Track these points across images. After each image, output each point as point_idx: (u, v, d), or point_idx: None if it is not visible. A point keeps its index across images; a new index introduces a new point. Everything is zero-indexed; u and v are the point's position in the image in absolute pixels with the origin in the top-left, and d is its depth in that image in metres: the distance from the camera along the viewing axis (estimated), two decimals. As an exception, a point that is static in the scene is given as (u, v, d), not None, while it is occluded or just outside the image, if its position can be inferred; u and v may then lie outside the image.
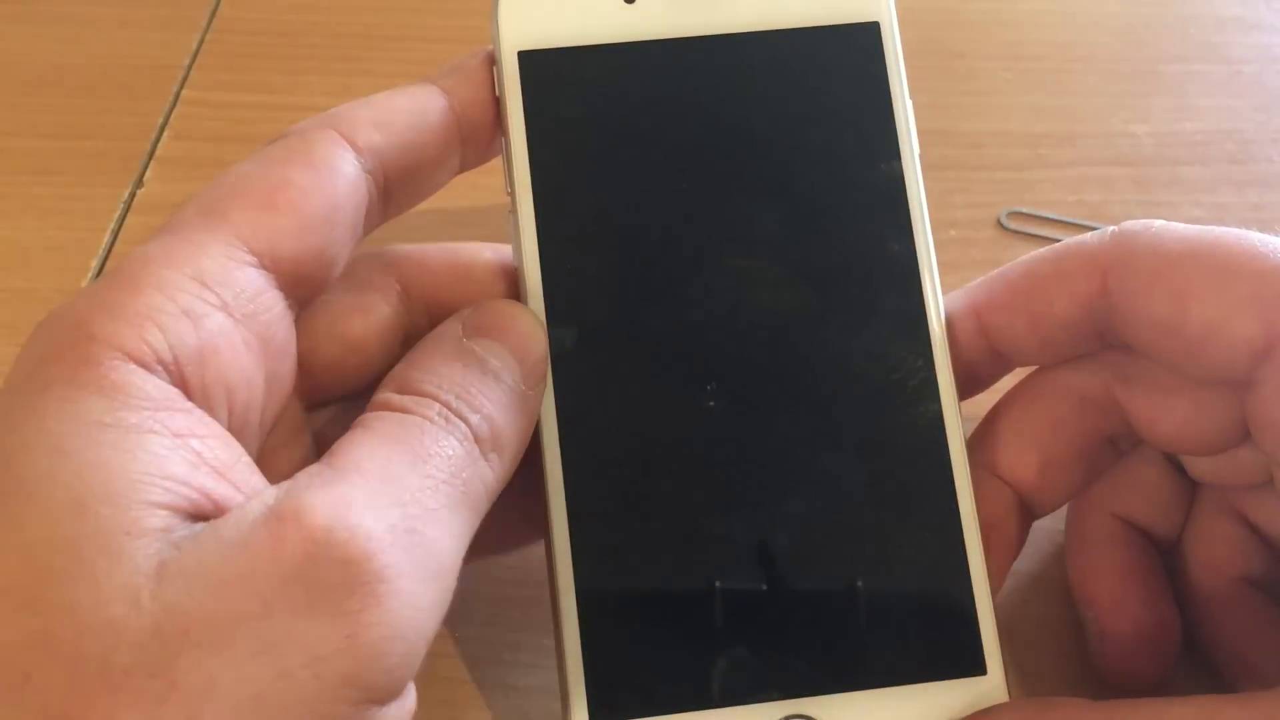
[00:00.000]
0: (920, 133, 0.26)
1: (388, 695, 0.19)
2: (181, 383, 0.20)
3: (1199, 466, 0.27)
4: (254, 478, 0.20)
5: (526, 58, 0.25)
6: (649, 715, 0.23)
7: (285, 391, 0.23)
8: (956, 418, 0.25)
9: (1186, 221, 0.24)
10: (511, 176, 0.25)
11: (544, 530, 0.24)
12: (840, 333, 0.25)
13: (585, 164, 0.25)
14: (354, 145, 0.23)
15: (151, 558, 0.18)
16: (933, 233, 0.25)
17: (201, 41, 0.43)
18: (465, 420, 0.22)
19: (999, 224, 0.37)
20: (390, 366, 0.23)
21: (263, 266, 0.22)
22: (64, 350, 0.20)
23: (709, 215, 0.25)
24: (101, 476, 0.18)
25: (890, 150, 0.26)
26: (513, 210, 0.25)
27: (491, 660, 0.28)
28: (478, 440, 0.22)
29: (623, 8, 0.26)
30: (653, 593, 0.24)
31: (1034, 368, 0.27)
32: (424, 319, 0.26)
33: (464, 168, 0.26)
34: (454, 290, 0.26)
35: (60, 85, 0.42)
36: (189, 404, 0.20)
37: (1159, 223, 0.24)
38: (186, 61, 0.43)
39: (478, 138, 0.25)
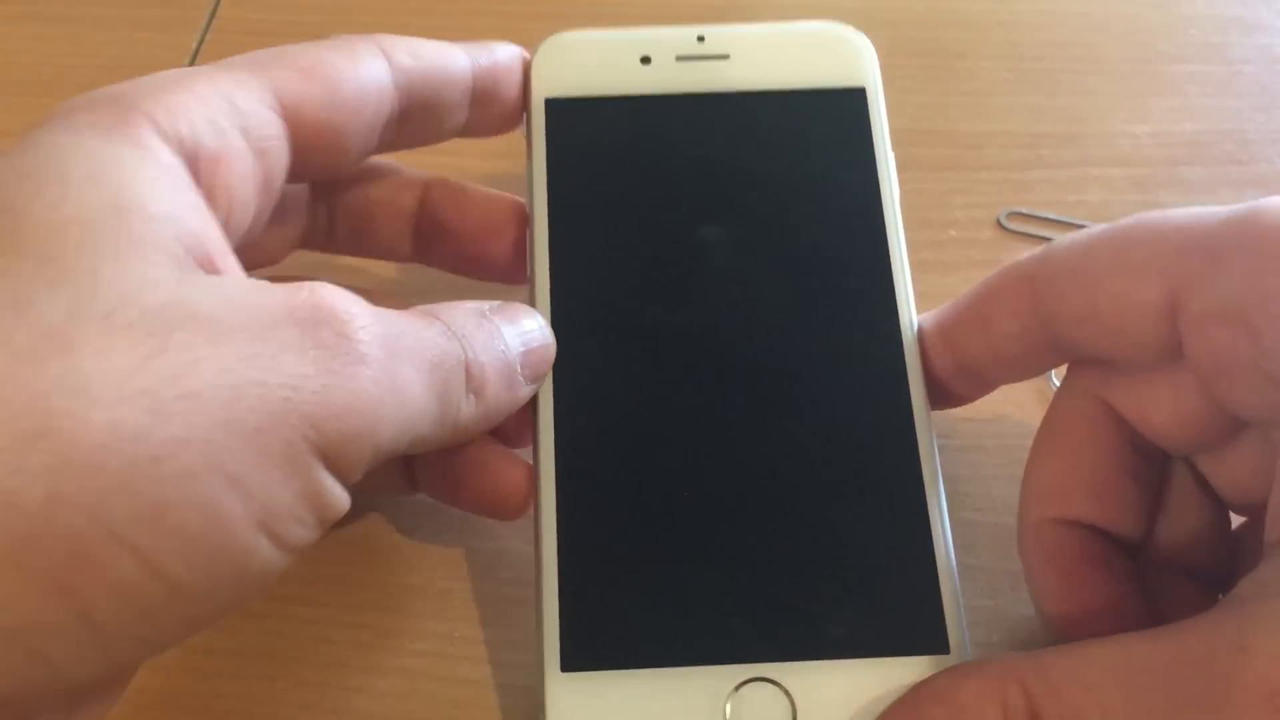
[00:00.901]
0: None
1: (334, 462, 0.20)
2: (195, 175, 0.22)
3: (1234, 487, 0.25)
4: (242, 272, 0.22)
5: (552, 104, 0.29)
6: (618, 668, 0.24)
7: (247, 236, 0.24)
8: (926, 413, 0.26)
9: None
10: (532, 203, 0.28)
11: (534, 496, 0.26)
12: (819, 345, 0.27)
13: (597, 196, 0.28)
14: (390, 59, 0.26)
15: (174, 267, 0.19)
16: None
17: (201, 41, 0.43)
18: (465, 350, 0.23)
19: (999, 224, 0.37)
20: None
21: (285, 119, 0.24)
22: (101, 110, 0.21)
23: (705, 248, 0.28)
24: (138, 198, 0.20)
25: (873, 200, 0.28)
26: (530, 233, 0.28)
27: (491, 659, 0.28)
28: (469, 374, 0.23)
29: (640, 66, 0.29)
30: (629, 557, 0.25)
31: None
32: None
33: (468, 130, 0.28)
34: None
35: (60, 85, 0.42)
36: (198, 189, 0.22)
37: (1087, 228, 0.25)
38: (186, 61, 0.43)
39: (487, 103, 0.28)
